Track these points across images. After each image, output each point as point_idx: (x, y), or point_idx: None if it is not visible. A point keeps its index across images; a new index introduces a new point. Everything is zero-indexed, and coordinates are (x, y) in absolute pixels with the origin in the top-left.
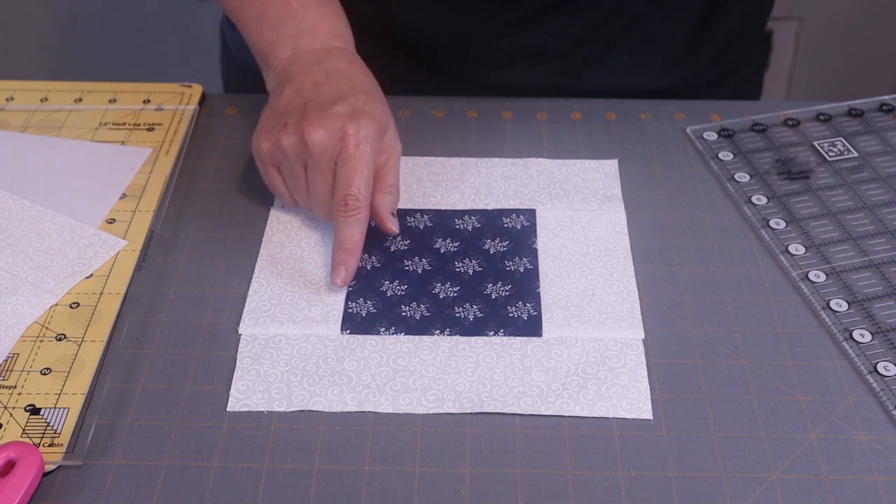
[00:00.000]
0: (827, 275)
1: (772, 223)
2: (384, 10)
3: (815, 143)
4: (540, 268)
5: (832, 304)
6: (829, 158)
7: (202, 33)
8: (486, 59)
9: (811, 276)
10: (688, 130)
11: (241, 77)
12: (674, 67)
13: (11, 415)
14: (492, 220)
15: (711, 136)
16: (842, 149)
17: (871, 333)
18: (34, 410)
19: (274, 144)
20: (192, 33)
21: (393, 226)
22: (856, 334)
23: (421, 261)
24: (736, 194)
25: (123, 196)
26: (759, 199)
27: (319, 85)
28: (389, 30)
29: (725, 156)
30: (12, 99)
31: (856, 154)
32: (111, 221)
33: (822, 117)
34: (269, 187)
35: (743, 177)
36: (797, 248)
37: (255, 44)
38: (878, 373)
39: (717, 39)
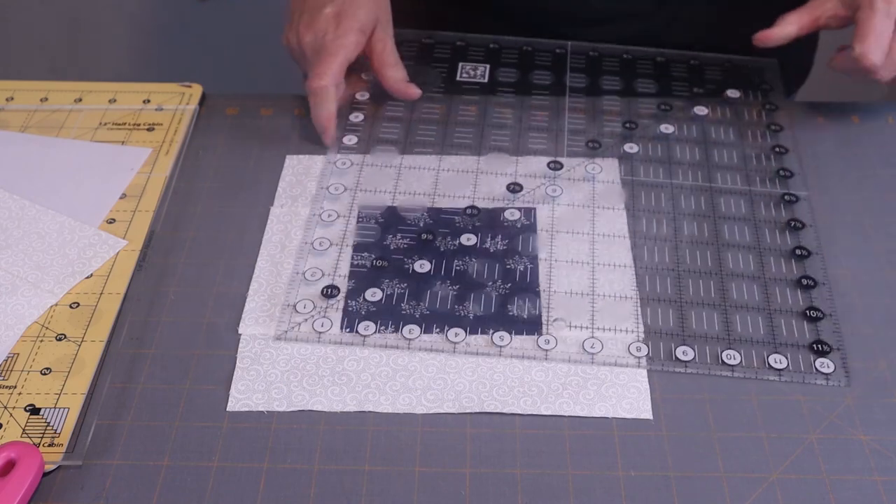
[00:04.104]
0: None
1: None
2: None
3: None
4: (540, 267)
5: None
6: None
7: (202, 33)
8: (579, 18)
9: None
10: None
11: None
12: (743, 24)
13: (11, 415)
14: (492, 220)
15: None
16: None
17: None
18: (34, 410)
19: (287, 41)
20: (192, 33)
21: (412, 90)
22: None
23: (421, 260)
24: None
25: (123, 196)
26: None
27: None
28: None
29: None
30: (12, 99)
31: None
32: (111, 221)
33: None
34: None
35: None
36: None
37: None
38: None
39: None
